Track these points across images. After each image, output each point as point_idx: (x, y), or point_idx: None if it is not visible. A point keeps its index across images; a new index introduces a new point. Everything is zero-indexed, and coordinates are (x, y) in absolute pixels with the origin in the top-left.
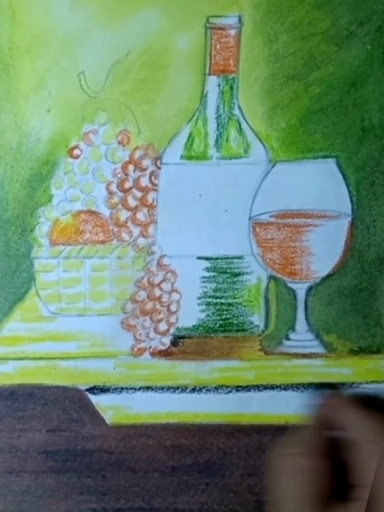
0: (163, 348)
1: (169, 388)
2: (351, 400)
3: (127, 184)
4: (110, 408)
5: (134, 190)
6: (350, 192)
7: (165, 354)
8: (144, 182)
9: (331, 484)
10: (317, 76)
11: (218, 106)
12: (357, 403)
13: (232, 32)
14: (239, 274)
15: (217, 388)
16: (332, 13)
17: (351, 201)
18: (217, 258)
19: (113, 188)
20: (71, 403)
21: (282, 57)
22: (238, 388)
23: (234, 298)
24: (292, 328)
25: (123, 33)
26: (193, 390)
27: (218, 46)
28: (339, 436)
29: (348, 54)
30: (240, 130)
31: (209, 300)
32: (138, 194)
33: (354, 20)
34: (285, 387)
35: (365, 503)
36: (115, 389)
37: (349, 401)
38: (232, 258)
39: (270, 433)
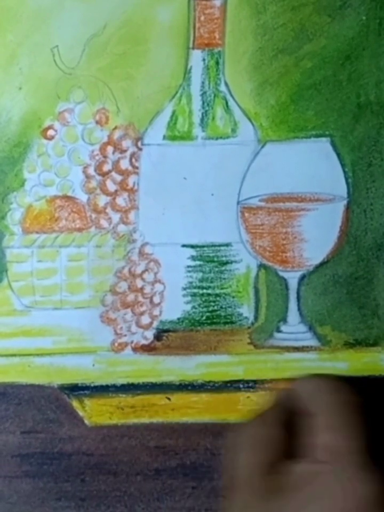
0: (146, 342)
1: (152, 385)
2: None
3: (106, 167)
4: (89, 407)
5: (113, 173)
6: (345, 173)
7: (148, 349)
8: (124, 164)
9: (285, 451)
10: (309, 49)
11: (203, 83)
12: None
13: (217, 2)
14: (226, 263)
15: (204, 384)
16: None
17: (347, 183)
18: (203, 246)
19: (91, 171)
20: (47, 402)
21: (271, 29)
22: (226, 384)
23: (222, 288)
24: (284, 319)
25: (100, 5)
26: (179, 386)
27: (202, 18)
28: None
29: (342, 25)
30: (227, 108)
31: (195, 290)
32: (118, 178)
33: None
34: (277, 382)
35: (319, 450)
36: (94, 387)
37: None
38: (219, 245)
39: None
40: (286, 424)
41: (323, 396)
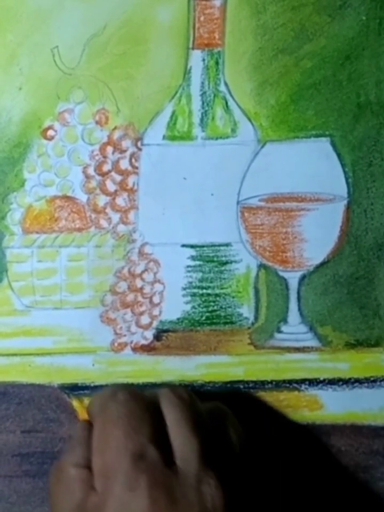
0: (145, 342)
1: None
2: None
3: (106, 167)
4: None
5: (113, 173)
6: (345, 173)
7: (147, 349)
8: (124, 164)
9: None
10: (309, 49)
11: (203, 83)
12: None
13: (217, 3)
14: (226, 262)
15: (204, 385)
16: None
17: (347, 183)
18: (203, 246)
19: (91, 171)
20: (48, 402)
21: (271, 29)
22: (227, 385)
23: (222, 288)
24: (284, 320)
25: (100, 5)
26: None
27: (202, 18)
28: None
29: (342, 25)
30: (226, 108)
31: (195, 290)
32: (118, 178)
33: None
34: (277, 383)
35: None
36: (94, 386)
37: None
38: (219, 245)
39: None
40: (88, 458)
41: (95, 413)
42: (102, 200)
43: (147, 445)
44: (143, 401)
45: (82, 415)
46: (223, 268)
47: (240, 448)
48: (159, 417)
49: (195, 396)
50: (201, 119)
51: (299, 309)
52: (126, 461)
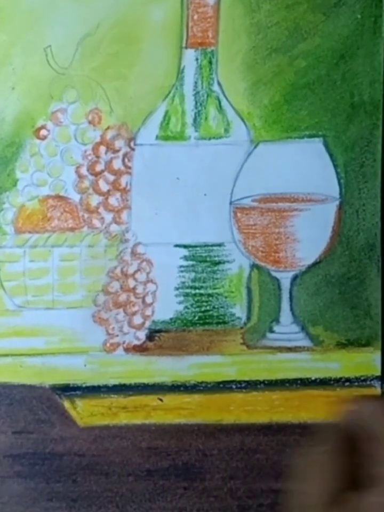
0: (138, 342)
1: (145, 386)
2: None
3: (99, 167)
4: (81, 408)
5: (106, 173)
6: (338, 174)
7: (140, 349)
8: (117, 164)
9: (351, 481)
10: (303, 48)
11: (196, 82)
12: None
13: (211, 1)
14: (219, 263)
15: (197, 385)
16: None
17: (339, 183)
18: (196, 246)
19: (84, 171)
20: (39, 403)
21: (265, 28)
22: (219, 385)
23: (215, 288)
24: (276, 320)
25: (93, 4)
26: (171, 387)
27: (195, 17)
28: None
29: (336, 23)
30: (220, 108)
31: (188, 290)
32: (111, 177)
33: None
34: (269, 383)
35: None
36: (86, 387)
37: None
38: (212, 245)
39: (253, 433)
40: (350, 452)
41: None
42: (94, 200)
43: None
44: None
45: (76, 416)
46: (215, 268)
47: None
48: None
49: None
50: (194, 119)
51: (291, 309)
52: None
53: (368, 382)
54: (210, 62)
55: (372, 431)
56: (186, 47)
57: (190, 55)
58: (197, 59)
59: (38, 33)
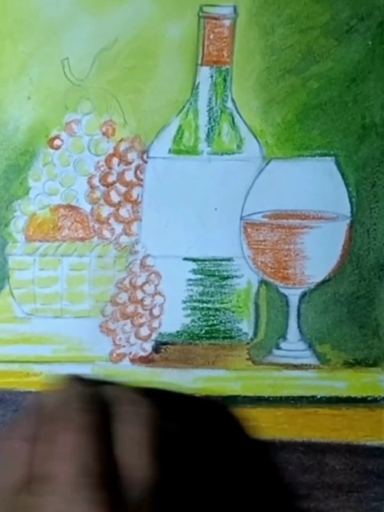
0: (144, 354)
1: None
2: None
3: (111, 178)
4: None
5: (117, 184)
6: (349, 192)
7: (145, 361)
8: (129, 176)
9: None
10: (315, 71)
11: (210, 99)
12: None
13: (227, 22)
14: (228, 277)
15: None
16: (332, 6)
17: (350, 202)
18: (205, 260)
19: (96, 181)
20: None
21: (278, 50)
22: (224, 399)
23: (222, 303)
24: (283, 336)
25: (111, 19)
26: None
27: (211, 36)
28: None
29: (348, 48)
30: (233, 124)
31: (195, 304)
32: (122, 189)
33: (354, 15)
34: (274, 399)
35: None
36: None
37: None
38: (221, 260)
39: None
40: (34, 432)
41: (54, 409)
42: (105, 210)
43: (95, 460)
44: (99, 409)
45: None
46: (224, 283)
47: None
48: (110, 428)
49: (157, 411)
50: (208, 134)
51: (298, 326)
52: (71, 472)
53: (374, 403)
54: (224, 80)
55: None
56: (201, 64)
57: (205, 72)
58: (211, 76)
59: (56, 45)
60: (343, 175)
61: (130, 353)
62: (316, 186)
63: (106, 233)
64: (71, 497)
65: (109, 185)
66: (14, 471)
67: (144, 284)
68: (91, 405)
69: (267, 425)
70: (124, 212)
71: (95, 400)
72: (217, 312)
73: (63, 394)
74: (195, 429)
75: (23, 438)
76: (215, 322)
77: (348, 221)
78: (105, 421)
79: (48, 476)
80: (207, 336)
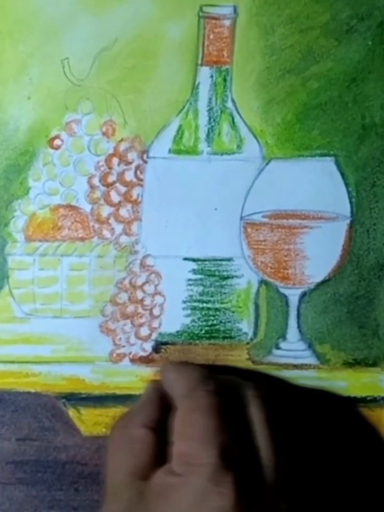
0: (144, 354)
1: None
2: (176, 362)
3: (111, 178)
4: (85, 417)
5: (117, 184)
6: (349, 193)
7: (145, 361)
8: (129, 176)
9: (155, 454)
10: (315, 71)
11: (210, 99)
12: (180, 363)
13: (227, 22)
14: (227, 277)
15: None
16: (332, 6)
17: (350, 202)
18: (205, 260)
19: (96, 181)
20: (43, 410)
21: (278, 50)
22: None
23: (222, 303)
24: (283, 336)
25: (111, 19)
26: None
27: (211, 36)
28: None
29: (348, 49)
30: (233, 124)
31: (195, 304)
32: (122, 189)
33: (354, 15)
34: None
35: (174, 461)
36: (91, 396)
37: (173, 363)
38: (221, 260)
39: None
40: (157, 421)
41: (182, 394)
42: (105, 210)
43: (235, 443)
44: (231, 394)
45: (80, 425)
46: (224, 283)
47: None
48: (246, 415)
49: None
50: (208, 134)
51: (298, 326)
52: (213, 454)
53: (374, 402)
54: (224, 80)
55: (172, 401)
56: (201, 65)
57: (205, 72)
58: (211, 76)
59: (56, 45)
60: (343, 175)
61: (130, 353)
62: (316, 186)
63: (106, 233)
64: (215, 479)
65: (109, 185)
66: (134, 457)
67: (144, 283)
68: (220, 388)
69: None
70: (124, 212)
71: (223, 384)
72: (217, 312)
73: (183, 381)
74: (318, 419)
75: (141, 425)
76: (215, 322)
77: (348, 221)
78: (235, 405)
79: (186, 456)
80: (207, 336)
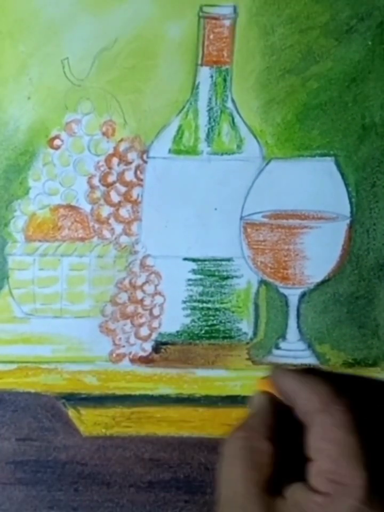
0: (144, 354)
1: (149, 397)
2: (295, 371)
3: (111, 178)
4: (85, 417)
5: (117, 184)
6: (349, 193)
7: (145, 361)
8: (129, 176)
9: (280, 466)
10: (315, 71)
11: (210, 99)
12: (301, 373)
13: (227, 22)
14: (227, 277)
15: (201, 399)
16: (331, 6)
17: (350, 202)
18: (204, 260)
19: (95, 181)
20: (43, 411)
21: (278, 50)
22: (224, 399)
23: (222, 303)
24: (283, 336)
25: (111, 19)
26: (175, 400)
27: (211, 36)
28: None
29: (348, 49)
30: (233, 124)
31: (195, 304)
32: (122, 189)
33: (354, 15)
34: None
35: (316, 479)
36: (91, 397)
37: (292, 373)
38: (221, 260)
39: None
40: (274, 432)
41: (315, 409)
42: (105, 210)
43: (381, 463)
44: (365, 409)
45: (80, 425)
46: (223, 283)
47: None
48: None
49: None
50: (207, 134)
51: (298, 326)
52: (364, 475)
53: None
54: (224, 80)
55: (297, 412)
56: (201, 65)
57: (205, 72)
58: (211, 76)
59: (56, 45)
60: (343, 175)
61: (130, 353)
62: (315, 186)
63: (106, 233)
64: (368, 501)
65: (109, 185)
66: (258, 470)
67: (144, 283)
68: (354, 403)
69: None
70: (124, 212)
71: (354, 397)
72: (217, 312)
73: (313, 395)
74: None
75: (265, 437)
76: (215, 322)
77: (348, 221)
78: (368, 420)
79: (333, 474)
80: (206, 336)
